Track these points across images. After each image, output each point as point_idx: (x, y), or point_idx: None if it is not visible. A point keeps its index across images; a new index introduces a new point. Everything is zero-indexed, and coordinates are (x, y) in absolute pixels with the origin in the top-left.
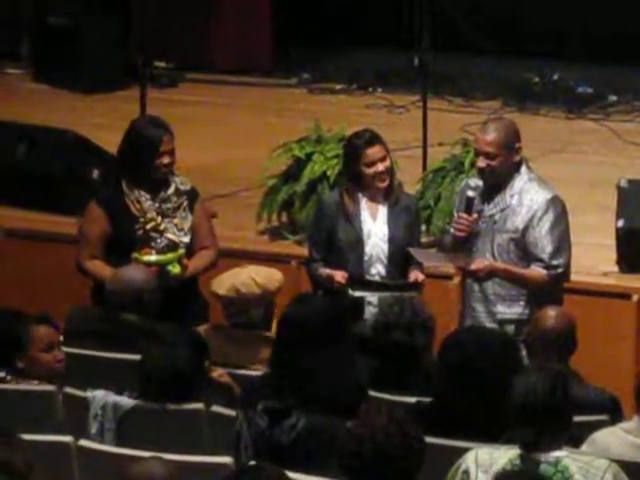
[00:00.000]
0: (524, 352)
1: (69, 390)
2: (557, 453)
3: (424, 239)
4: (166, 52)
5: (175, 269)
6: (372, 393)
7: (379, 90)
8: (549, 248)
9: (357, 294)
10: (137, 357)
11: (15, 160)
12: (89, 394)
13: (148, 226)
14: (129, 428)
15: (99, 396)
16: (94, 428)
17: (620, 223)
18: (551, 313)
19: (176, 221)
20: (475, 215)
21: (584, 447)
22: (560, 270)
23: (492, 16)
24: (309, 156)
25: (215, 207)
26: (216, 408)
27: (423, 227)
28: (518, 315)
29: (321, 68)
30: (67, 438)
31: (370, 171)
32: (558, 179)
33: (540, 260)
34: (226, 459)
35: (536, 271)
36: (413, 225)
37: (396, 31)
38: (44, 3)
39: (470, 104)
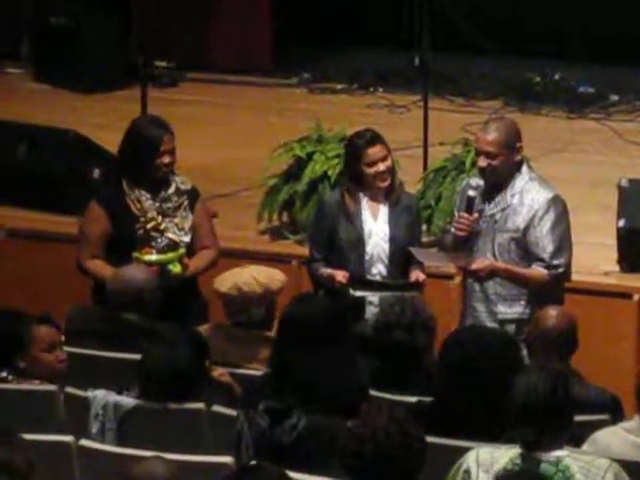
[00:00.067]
0: (525, 352)
1: (70, 390)
2: (558, 453)
3: (425, 239)
4: (166, 52)
5: (176, 268)
6: (373, 393)
7: (380, 90)
8: (550, 248)
9: (358, 294)
10: (138, 357)
11: (16, 160)
12: (90, 394)
13: (149, 225)
14: (130, 428)
15: (100, 396)
16: (95, 428)
17: (621, 223)
18: (552, 313)
19: (177, 220)
20: (476, 215)
21: (585, 447)
22: (561, 270)
23: (492, 16)
24: (310, 156)
25: (216, 207)
26: (217, 408)
27: (424, 227)
28: (519, 315)
29: (321, 68)
30: (68, 438)
31: (371, 171)
32: (559, 179)
33: (541, 260)
34: (227, 459)
35: (537, 271)
36: (414, 225)
37: (396, 31)
38: (44, 3)
39: (471, 104)
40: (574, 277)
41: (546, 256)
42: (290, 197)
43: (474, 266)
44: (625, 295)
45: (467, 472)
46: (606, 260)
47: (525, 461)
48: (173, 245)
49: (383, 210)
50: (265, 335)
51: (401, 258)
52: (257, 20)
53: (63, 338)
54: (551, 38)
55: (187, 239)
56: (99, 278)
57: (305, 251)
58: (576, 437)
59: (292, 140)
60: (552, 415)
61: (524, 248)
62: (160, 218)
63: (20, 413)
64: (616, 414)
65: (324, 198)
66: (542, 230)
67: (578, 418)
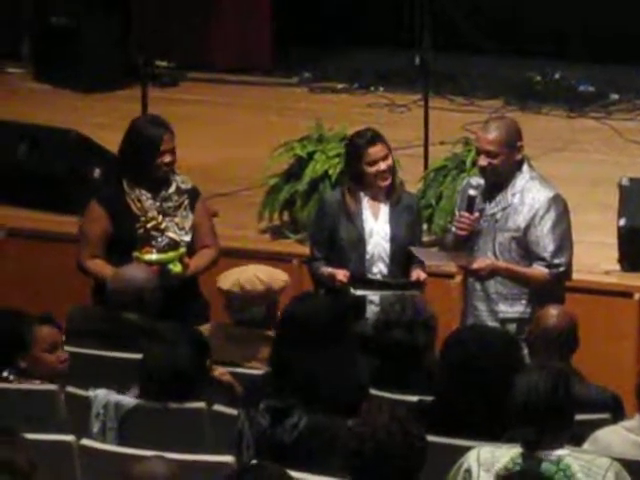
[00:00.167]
0: (526, 351)
1: (71, 389)
2: (559, 452)
3: (426, 238)
4: (167, 51)
5: (176, 268)
6: (373, 392)
7: (380, 89)
8: (551, 247)
9: (359, 293)
10: (138, 356)
11: (16, 160)
12: (91, 393)
13: (149, 225)
14: (131, 427)
15: (101, 395)
16: (96, 427)
17: (622, 222)
18: (553, 312)
19: (177, 220)
20: (477, 214)
21: (586, 446)
22: (562, 269)
23: (492, 16)
24: (311, 155)
25: (216, 206)
26: (218, 407)
27: (425, 226)
28: (520, 314)
29: (322, 67)
30: (69, 437)
31: (372, 170)
32: (560, 178)
33: (542, 259)
34: (228, 458)
35: (538, 270)
36: (415, 224)
37: (396, 31)
38: (45, 3)
39: (471, 103)
40: (575, 276)
41: (547, 255)
42: (291, 196)
43: (475, 265)
44: (626, 294)
45: (468, 471)
46: (607, 259)
47: (526, 460)
48: (173, 244)
49: (384, 209)
50: (266, 334)
51: (402, 257)
52: (257, 20)
53: (64, 338)
54: (551, 37)
55: (187, 238)
56: (99, 278)
57: (306, 250)
58: (577, 436)
59: (293, 139)
60: (553, 414)
61: (525, 247)
62: (160, 217)
63: (21, 413)
64: (617, 413)
65: (325, 197)
66: (543, 229)
67: (579, 417)
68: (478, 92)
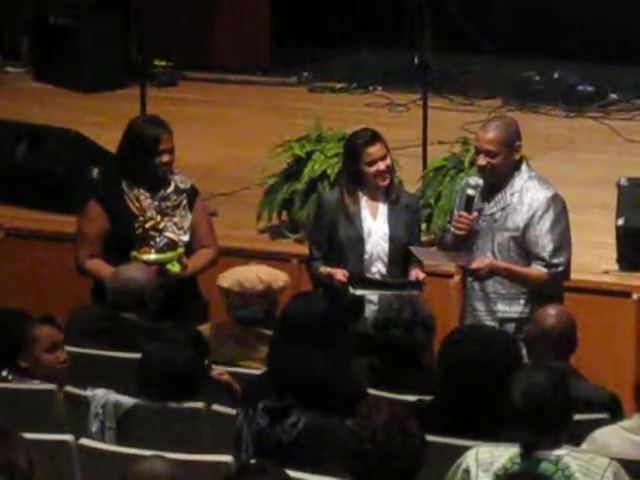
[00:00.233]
0: (524, 350)
1: (70, 389)
2: (558, 451)
3: (424, 237)
4: (166, 51)
5: (174, 268)
6: (372, 391)
7: (379, 89)
8: (550, 246)
9: (358, 292)
10: (137, 356)
11: (16, 159)
12: (89, 393)
13: (147, 225)
14: (130, 427)
15: (100, 395)
16: (95, 427)
17: (620, 221)
18: (551, 311)
19: (176, 220)
20: (475, 213)
21: (584, 445)
22: (560, 268)
23: (492, 15)
24: (309, 155)
25: (215, 206)
26: (216, 407)
27: (423, 225)
28: (518, 314)
29: (321, 67)
30: (68, 437)
31: (371, 170)
32: (558, 177)
33: (540, 258)
34: (227, 458)
35: (536, 269)
36: (413, 223)
37: (396, 30)
38: (44, 2)
39: (470, 102)
40: (573, 276)
41: (546, 255)
42: (289, 196)
43: (474, 265)
44: (624, 294)
45: (466, 471)
46: (605, 259)
47: (525, 460)
48: (172, 244)
49: (382, 209)
50: (265, 334)
51: (401, 257)
52: (257, 19)
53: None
54: (550, 37)
55: (186, 238)
56: (98, 277)
57: (305, 250)
58: (575, 436)
59: (291, 139)
60: (551, 414)
61: (524, 247)
62: (159, 217)
63: (20, 412)
64: (615, 413)
65: (323, 197)
66: (542, 229)
67: (577, 417)
68: (477, 92)
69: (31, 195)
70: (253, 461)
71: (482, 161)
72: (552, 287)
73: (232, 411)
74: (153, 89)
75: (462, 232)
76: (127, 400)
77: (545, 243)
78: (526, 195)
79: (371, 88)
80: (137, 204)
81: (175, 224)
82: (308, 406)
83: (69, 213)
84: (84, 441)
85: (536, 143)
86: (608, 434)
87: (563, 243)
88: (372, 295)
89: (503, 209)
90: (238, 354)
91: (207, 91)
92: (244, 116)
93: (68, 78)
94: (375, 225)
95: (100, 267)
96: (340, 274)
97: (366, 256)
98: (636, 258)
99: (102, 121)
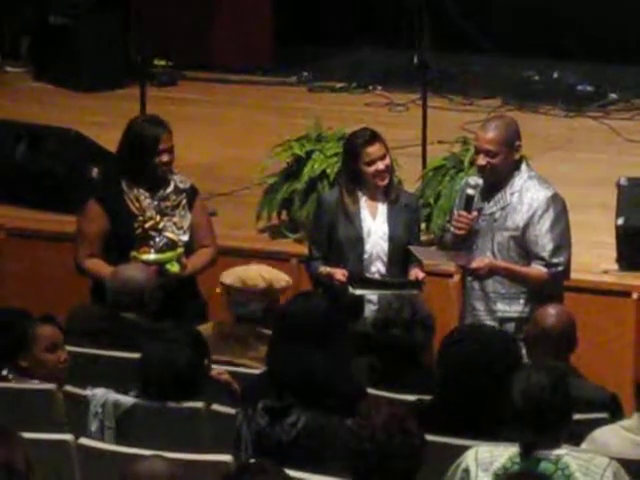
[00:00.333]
0: (524, 350)
1: (69, 388)
2: (557, 451)
3: (424, 237)
4: (166, 50)
5: (174, 268)
6: (371, 391)
7: (379, 88)
8: (549, 246)
9: (358, 292)
10: (137, 356)
11: (15, 159)
12: (89, 392)
13: (147, 225)
14: (129, 426)
15: (99, 394)
16: (94, 426)
17: (620, 221)
18: (551, 311)
19: (175, 219)
20: (475, 213)
21: (584, 445)
22: (560, 268)
23: (492, 15)
24: (309, 154)
25: (215, 205)
26: (216, 406)
27: (423, 225)
28: (518, 313)
29: (321, 66)
30: (67, 436)
31: (370, 169)
32: (558, 177)
33: (540, 258)
34: (226, 457)
35: (536, 269)
36: (413, 223)
37: (396, 30)
38: (44, 2)
39: (470, 102)
40: (573, 275)
41: (545, 254)
42: (289, 196)
43: (474, 264)
44: (624, 293)
45: (466, 471)
46: (605, 258)
47: (524, 460)
48: (171, 244)
49: (382, 209)
50: (265, 333)
51: (400, 256)
52: (257, 19)
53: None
54: (550, 37)
55: (185, 238)
56: (97, 277)
57: (304, 249)
58: (575, 435)
59: (291, 139)
60: (551, 413)
61: (523, 246)
62: (159, 217)
63: (19, 412)
64: (615, 412)
65: (323, 197)
66: (541, 228)
67: (577, 416)
68: (477, 91)
69: (31, 195)
70: (253, 461)
71: (482, 161)
72: (552, 287)
73: (232, 411)
74: (153, 89)
75: (462, 232)
76: (127, 399)
77: (545, 243)
78: (526, 195)
79: (371, 88)
80: (137, 204)
81: (175, 224)
82: (308, 406)
83: (69, 213)
84: (83, 440)
85: (536, 143)
86: (608, 434)
87: (563, 243)
88: (372, 295)
89: (503, 209)
90: (238, 354)
91: (207, 91)
92: (244, 116)
93: (68, 78)
94: (374, 225)
95: (100, 267)
96: (340, 274)
97: (365, 256)
98: (636, 258)
99: (102, 121)
